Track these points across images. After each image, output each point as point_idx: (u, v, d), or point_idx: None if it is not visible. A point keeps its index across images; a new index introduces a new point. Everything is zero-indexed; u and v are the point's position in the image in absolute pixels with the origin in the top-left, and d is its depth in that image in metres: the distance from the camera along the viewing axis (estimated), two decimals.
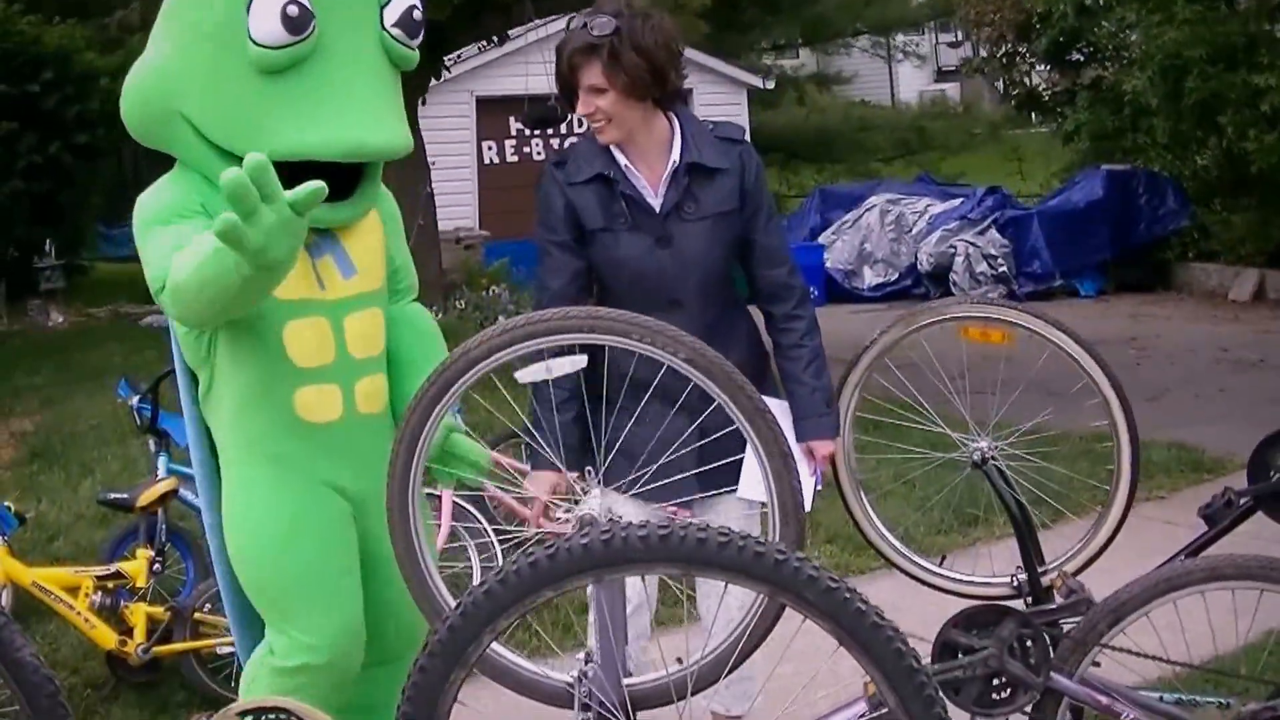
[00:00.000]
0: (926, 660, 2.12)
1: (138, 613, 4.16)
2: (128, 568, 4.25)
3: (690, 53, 13.31)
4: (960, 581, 2.94)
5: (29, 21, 12.97)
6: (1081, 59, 15.50)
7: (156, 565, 4.26)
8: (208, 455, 2.87)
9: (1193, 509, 3.29)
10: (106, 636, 4.13)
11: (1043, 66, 16.44)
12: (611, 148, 3.00)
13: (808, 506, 2.42)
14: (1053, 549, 2.90)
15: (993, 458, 2.80)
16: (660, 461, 2.73)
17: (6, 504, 4.45)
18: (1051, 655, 2.59)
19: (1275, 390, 8.26)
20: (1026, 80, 16.91)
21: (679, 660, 2.26)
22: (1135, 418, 2.80)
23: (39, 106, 12.72)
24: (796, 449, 2.85)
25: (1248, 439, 3.30)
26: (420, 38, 2.82)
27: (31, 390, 9.14)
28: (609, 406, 2.86)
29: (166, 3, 2.76)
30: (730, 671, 2.23)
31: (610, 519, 2.09)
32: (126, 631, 4.14)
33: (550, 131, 15.26)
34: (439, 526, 4.51)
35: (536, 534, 2.68)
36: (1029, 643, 2.59)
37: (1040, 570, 2.80)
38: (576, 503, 2.19)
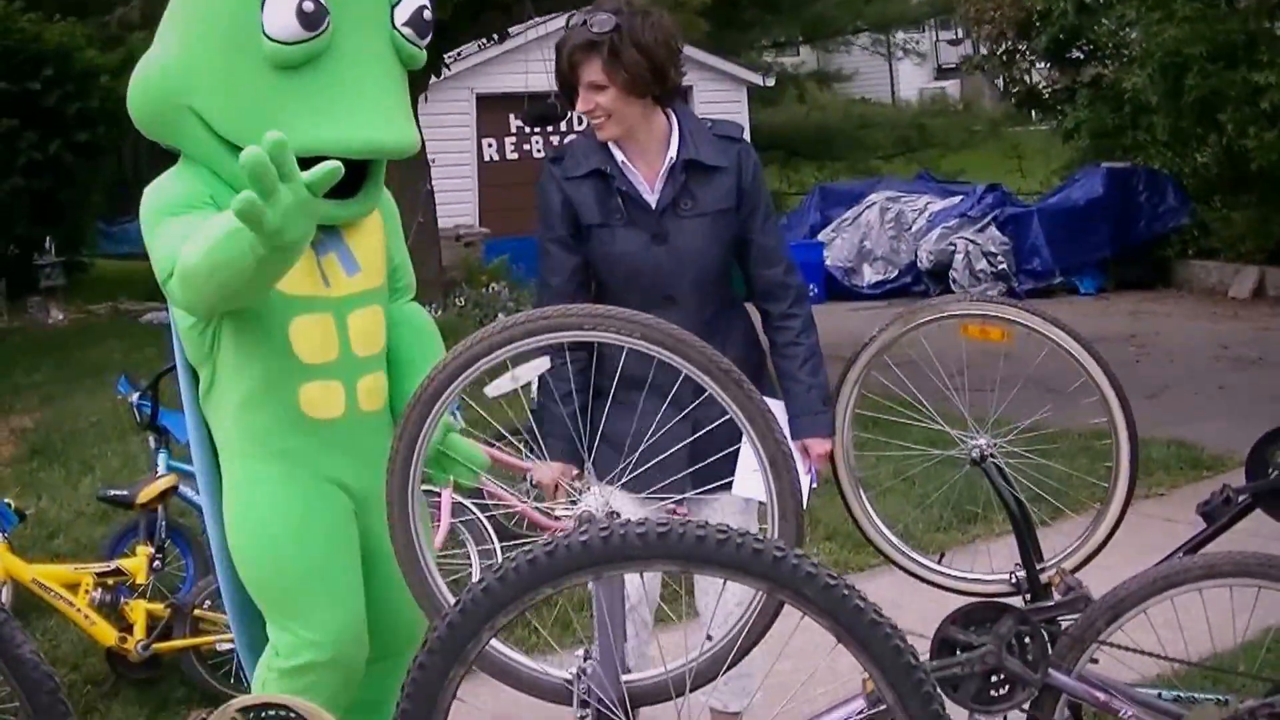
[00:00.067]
0: (925, 657, 2.12)
1: (138, 609, 4.16)
2: (128, 564, 4.25)
3: (690, 50, 13.34)
4: (959, 578, 2.94)
5: (29, 19, 12.96)
6: (1081, 56, 15.51)
7: (156, 562, 4.27)
8: (208, 452, 2.87)
9: (1191, 506, 3.30)
10: (106, 633, 4.13)
11: (1043, 64, 16.44)
12: (609, 144, 3.01)
13: (804, 504, 2.42)
14: (1051, 546, 2.90)
15: (992, 455, 2.80)
16: (661, 458, 2.74)
17: (7, 501, 4.45)
18: (1050, 652, 2.59)
19: (1274, 388, 8.27)
20: (1027, 78, 16.92)
21: (709, 634, 2.21)
22: (1134, 415, 2.80)
23: (39, 104, 12.71)
24: (792, 447, 2.86)
25: (1247, 436, 3.31)
26: (429, 38, 2.82)
27: (32, 387, 9.14)
28: (608, 402, 2.87)
29: None
30: (729, 668, 2.24)
31: (609, 516, 2.09)
32: (126, 628, 4.15)
33: (550, 129, 15.26)
34: (438, 525, 4.52)
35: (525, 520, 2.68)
36: (1027, 640, 2.59)
37: (1039, 567, 2.80)
38: (574, 502, 2.20)
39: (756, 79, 17.72)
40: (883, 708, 1.87)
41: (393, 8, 2.74)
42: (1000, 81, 17.69)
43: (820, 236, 14.56)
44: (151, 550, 4.27)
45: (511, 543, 4.60)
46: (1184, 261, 13.23)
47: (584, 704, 2.07)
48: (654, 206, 3.01)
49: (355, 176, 2.72)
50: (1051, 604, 2.73)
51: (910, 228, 14.00)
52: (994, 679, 2.58)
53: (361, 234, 2.83)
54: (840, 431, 2.98)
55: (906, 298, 12.31)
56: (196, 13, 2.69)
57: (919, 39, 26.45)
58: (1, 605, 2.51)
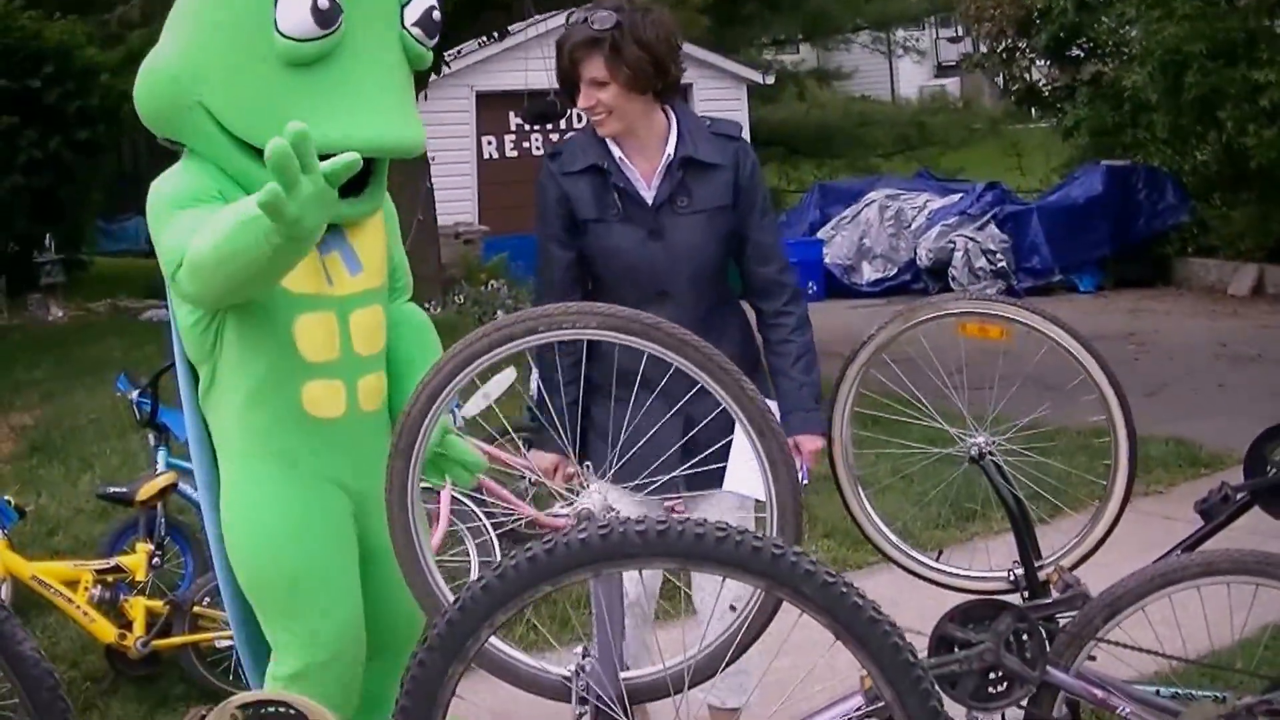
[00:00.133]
0: (923, 654, 2.13)
1: (137, 606, 4.16)
2: (127, 562, 4.25)
3: (690, 48, 13.35)
4: (957, 576, 2.94)
5: (30, 16, 12.97)
6: (1081, 54, 15.50)
7: (156, 559, 4.27)
8: (207, 451, 2.87)
9: (1190, 504, 3.30)
10: (106, 630, 4.14)
11: (1043, 62, 16.42)
12: (607, 140, 3.03)
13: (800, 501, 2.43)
14: (1050, 544, 2.91)
15: (990, 453, 2.81)
16: (660, 455, 2.74)
17: (6, 498, 4.45)
18: (1048, 649, 2.59)
19: (1273, 385, 8.27)
20: (1026, 76, 16.90)
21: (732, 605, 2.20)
22: (1133, 413, 2.81)
23: (40, 102, 12.72)
24: None
25: (1245, 434, 3.31)
26: (436, 38, 2.82)
27: (31, 385, 9.14)
28: (606, 400, 2.87)
29: None
30: (727, 665, 2.24)
31: (608, 513, 2.09)
32: (126, 625, 4.15)
33: (550, 126, 15.26)
34: (436, 524, 4.52)
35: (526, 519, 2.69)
36: (1025, 637, 2.59)
37: (1037, 565, 2.81)
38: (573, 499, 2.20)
39: (756, 76, 17.71)
40: (881, 705, 1.87)
41: (403, 8, 2.74)
42: (1000, 79, 17.65)
43: (820, 234, 14.56)
44: (151, 547, 4.27)
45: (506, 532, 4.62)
46: (1183, 259, 13.23)
47: (582, 701, 2.07)
48: (650, 203, 3.02)
49: (361, 175, 2.72)
50: (1050, 601, 2.73)
51: (910, 225, 14.00)
52: (992, 676, 2.59)
53: (364, 233, 2.83)
54: (839, 429, 2.98)
55: (906, 295, 12.31)
56: (208, 7, 2.67)
57: (919, 37, 26.46)
58: (2, 602, 2.51)
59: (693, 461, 2.82)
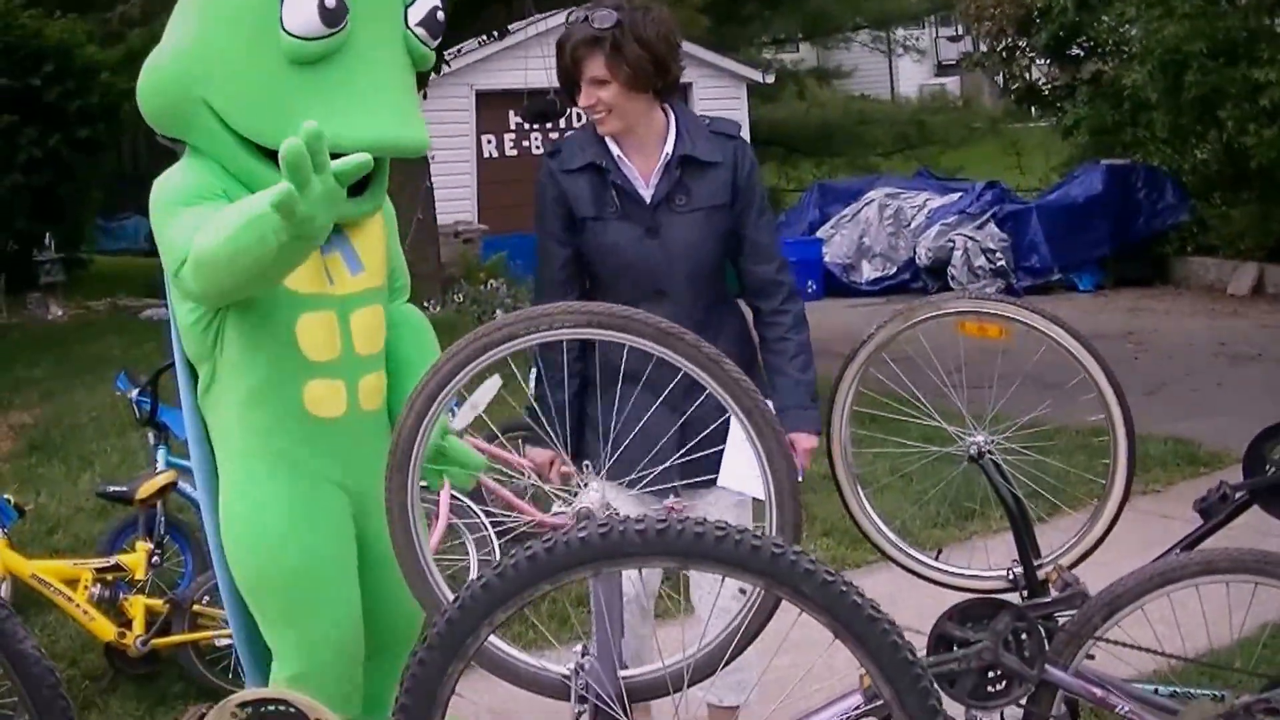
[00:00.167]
0: (922, 653, 2.13)
1: (136, 605, 4.17)
2: (126, 560, 4.25)
3: (690, 47, 13.34)
4: (956, 575, 2.94)
5: (30, 15, 12.98)
6: (1081, 53, 15.50)
7: (155, 558, 4.27)
8: (207, 450, 2.87)
9: (1189, 503, 3.30)
10: (105, 629, 4.14)
11: (1042, 61, 16.43)
12: (606, 138, 3.03)
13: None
14: (1049, 542, 2.91)
15: (989, 452, 2.80)
16: (658, 456, 2.74)
17: (6, 496, 4.45)
18: (1046, 648, 2.59)
19: (1273, 385, 8.27)
20: (1026, 75, 16.90)
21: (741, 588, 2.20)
22: (1132, 412, 2.81)
23: (40, 100, 12.73)
24: None
25: (1244, 433, 3.31)
26: (440, 39, 2.83)
27: (31, 383, 9.15)
28: (604, 398, 2.88)
29: None
30: (726, 664, 2.24)
31: (607, 512, 2.09)
32: (125, 624, 4.15)
33: (550, 125, 15.25)
34: (436, 522, 4.52)
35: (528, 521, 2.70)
36: (1024, 636, 2.59)
37: (1036, 564, 2.80)
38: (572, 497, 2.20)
39: (756, 75, 17.71)
40: (879, 703, 1.87)
41: (406, 8, 2.74)
42: (1000, 78, 17.65)
43: (819, 233, 14.56)
44: (150, 546, 4.27)
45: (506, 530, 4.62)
46: (1183, 258, 13.23)
47: (581, 699, 2.07)
48: (648, 201, 3.03)
49: (363, 175, 2.73)
50: (1048, 600, 2.73)
51: (909, 224, 14.00)
52: (991, 675, 2.59)
53: (364, 233, 2.83)
54: (838, 428, 2.98)
55: (905, 294, 12.32)
56: (214, 4, 2.67)
57: (919, 35, 26.47)
58: (2, 601, 2.51)
59: (689, 446, 2.81)
